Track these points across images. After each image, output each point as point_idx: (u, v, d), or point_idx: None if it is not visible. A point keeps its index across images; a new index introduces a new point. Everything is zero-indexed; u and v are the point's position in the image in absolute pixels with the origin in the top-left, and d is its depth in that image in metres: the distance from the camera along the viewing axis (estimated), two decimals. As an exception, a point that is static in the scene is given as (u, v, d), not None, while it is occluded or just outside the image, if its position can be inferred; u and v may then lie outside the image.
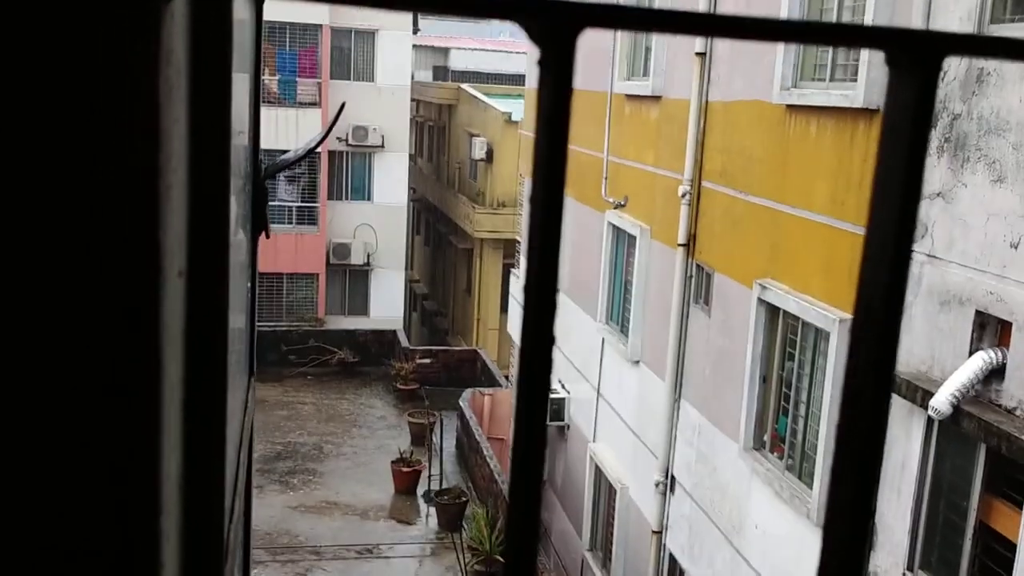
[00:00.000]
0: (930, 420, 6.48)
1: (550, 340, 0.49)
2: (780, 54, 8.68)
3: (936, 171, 6.65)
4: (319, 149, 25.61)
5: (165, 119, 0.45)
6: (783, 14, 8.62)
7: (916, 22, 6.82)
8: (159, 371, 0.44)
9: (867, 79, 7.39)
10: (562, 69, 0.45)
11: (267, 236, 1.65)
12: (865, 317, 0.50)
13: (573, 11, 0.44)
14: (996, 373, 6.03)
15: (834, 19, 8.16)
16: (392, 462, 18.16)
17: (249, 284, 1.57)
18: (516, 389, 0.50)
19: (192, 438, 0.60)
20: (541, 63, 0.46)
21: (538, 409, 0.49)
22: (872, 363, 0.51)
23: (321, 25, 25.67)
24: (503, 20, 0.46)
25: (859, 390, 0.52)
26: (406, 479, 17.92)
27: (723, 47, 10.05)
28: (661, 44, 11.47)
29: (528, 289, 0.48)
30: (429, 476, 17.85)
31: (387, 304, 27.59)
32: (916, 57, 0.48)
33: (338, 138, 26.28)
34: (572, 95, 0.47)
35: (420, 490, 17.99)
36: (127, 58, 0.40)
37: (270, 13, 27.22)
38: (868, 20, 7.40)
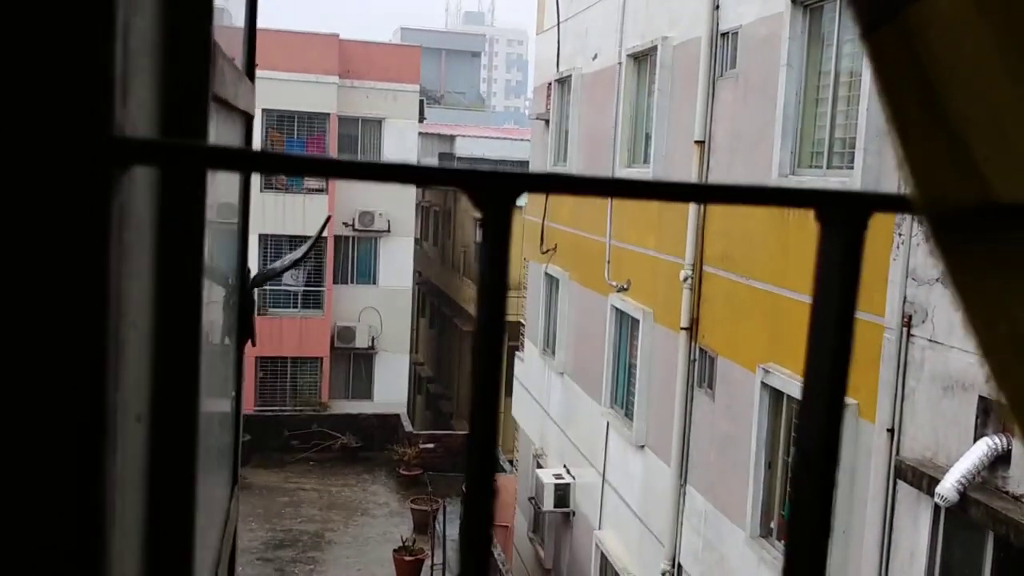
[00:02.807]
0: (937, 508, 6.39)
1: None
2: (778, 141, 8.83)
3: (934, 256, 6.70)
4: (325, 234, 25.86)
5: (121, 278, 0.47)
6: (779, 107, 8.79)
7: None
8: (104, 521, 0.45)
9: (863, 166, 7.50)
10: (500, 229, 0.48)
11: (253, 344, 1.67)
12: (805, 470, 0.52)
13: (508, 180, 0.46)
14: (1002, 459, 5.97)
15: (828, 122, 8.32)
16: (394, 551, 17.85)
17: (234, 393, 1.59)
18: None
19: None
20: (481, 224, 0.49)
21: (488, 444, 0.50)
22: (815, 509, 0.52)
23: (329, 114, 26.18)
24: (450, 188, 0.48)
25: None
26: (409, 568, 17.59)
27: (722, 136, 10.23)
28: (661, 131, 11.67)
29: (473, 416, 0.50)
30: (432, 565, 17.52)
31: (391, 387, 27.49)
32: (844, 215, 0.50)
33: (344, 223, 26.56)
34: (509, 249, 0.50)
35: (423, 579, 17.63)
36: (75, 226, 0.42)
37: (279, 102, 27.59)
38: (862, 110, 7.54)
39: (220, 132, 1.14)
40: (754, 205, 0.51)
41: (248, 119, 1.61)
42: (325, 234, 25.78)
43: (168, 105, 0.65)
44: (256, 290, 1.97)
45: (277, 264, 3.30)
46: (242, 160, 0.44)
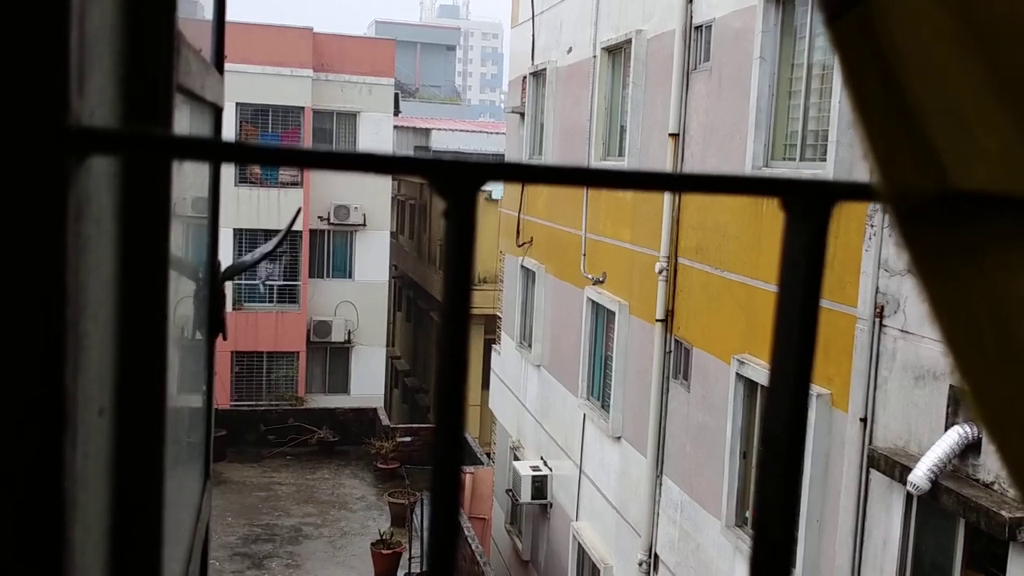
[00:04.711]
0: (909, 496, 6.46)
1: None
2: (751, 133, 8.87)
3: (906, 247, 6.76)
4: (300, 228, 25.74)
5: (79, 271, 0.47)
6: (752, 100, 8.83)
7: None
8: (63, 513, 0.44)
9: (836, 158, 7.55)
10: (464, 220, 0.48)
11: (224, 338, 1.66)
12: (771, 456, 0.52)
13: (471, 169, 0.46)
14: (972, 447, 6.04)
15: (801, 115, 8.37)
16: (372, 544, 17.83)
17: (206, 387, 1.57)
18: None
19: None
20: (445, 215, 0.48)
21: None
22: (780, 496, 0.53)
23: (303, 107, 26.03)
24: (413, 177, 0.48)
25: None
26: (386, 562, 17.57)
27: (696, 128, 10.26)
28: (636, 124, 11.70)
29: (438, 416, 0.49)
30: (410, 558, 17.52)
31: (368, 381, 27.43)
32: (809, 204, 0.51)
33: (320, 217, 26.44)
34: (475, 240, 0.49)
35: (401, 573, 17.63)
36: (27, 223, 0.42)
37: (253, 95, 27.38)
38: (835, 103, 7.59)
39: (187, 124, 1.13)
40: (720, 194, 0.51)
41: (217, 112, 1.60)
42: (299, 227, 25.67)
43: (130, 95, 0.64)
44: (230, 284, 1.96)
45: (248, 257, 3.29)
46: (201, 149, 0.43)
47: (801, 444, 0.53)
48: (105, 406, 0.59)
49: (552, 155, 14.93)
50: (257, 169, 25.96)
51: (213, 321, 1.54)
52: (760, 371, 8.65)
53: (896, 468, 6.48)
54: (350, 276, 27.45)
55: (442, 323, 0.51)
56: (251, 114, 25.81)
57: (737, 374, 9.04)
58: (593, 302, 13.02)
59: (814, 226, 0.50)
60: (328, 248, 27.34)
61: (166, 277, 0.70)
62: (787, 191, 0.51)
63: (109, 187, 0.56)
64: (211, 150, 0.43)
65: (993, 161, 0.46)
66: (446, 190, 0.46)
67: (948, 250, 0.48)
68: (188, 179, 1.30)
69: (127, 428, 0.64)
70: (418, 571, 17.09)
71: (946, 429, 6.19)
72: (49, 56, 0.41)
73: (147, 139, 0.41)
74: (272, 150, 0.44)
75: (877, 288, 7.00)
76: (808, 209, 0.51)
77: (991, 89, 0.45)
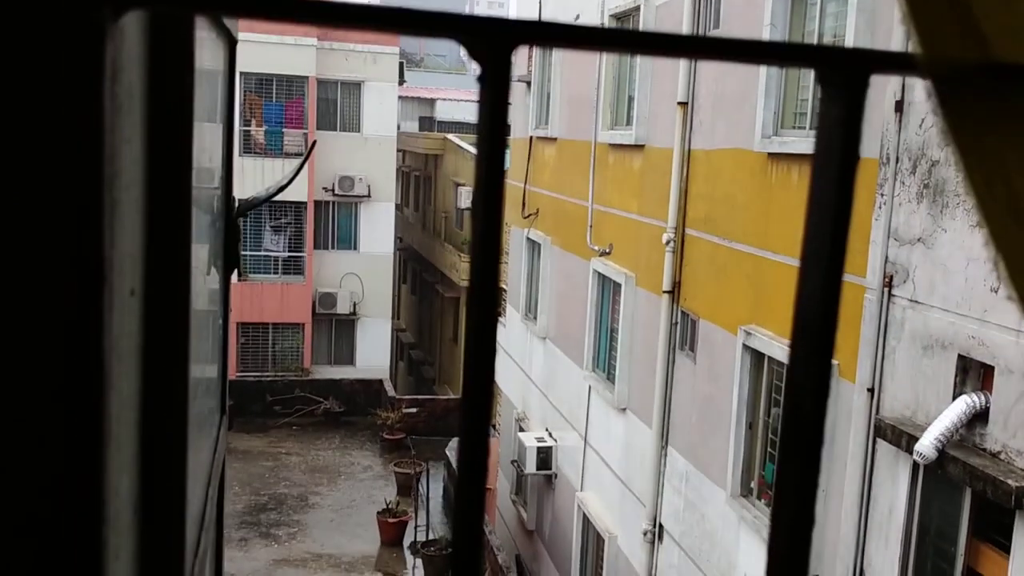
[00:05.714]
0: (916, 465, 6.47)
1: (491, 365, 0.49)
2: (761, 102, 8.81)
3: (916, 216, 6.73)
4: (305, 199, 25.70)
5: (113, 136, 0.46)
6: (762, 68, 8.75)
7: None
8: (102, 387, 0.44)
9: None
10: (499, 82, 0.47)
11: (239, 276, 1.66)
12: (801, 335, 0.51)
13: (508, 28, 0.45)
14: (980, 417, 6.05)
15: (811, 83, 8.29)
16: (378, 513, 17.97)
17: (221, 321, 1.58)
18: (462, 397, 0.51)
19: (150, 455, 0.61)
20: (480, 78, 0.48)
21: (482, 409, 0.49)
22: (810, 376, 0.52)
23: (308, 77, 25.93)
24: (443, 38, 0.48)
25: (798, 405, 0.53)
26: (392, 530, 17.71)
27: (705, 97, 10.20)
28: (644, 93, 11.64)
29: (471, 294, 0.49)
30: (416, 527, 17.66)
31: (373, 353, 27.51)
32: (845, 74, 0.50)
33: (324, 188, 26.41)
34: (508, 108, 0.49)
35: (407, 541, 17.77)
36: (66, 74, 0.41)
37: (257, 65, 27.14)
38: (850, 21, 7.52)
39: (207, 53, 1.12)
40: (750, 62, 0.50)
41: (232, 44, 1.59)
42: (304, 198, 25.64)
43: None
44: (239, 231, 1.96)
45: (261, 192, 3.31)
46: (231, 3, 0.43)
47: (833, 327, 0.53)
48: (136, 288, 0.59)
49: (559, 124, 14.86)
50: (262, 139, 25.90)
51: (229, 255, 1.54)
52: (767, 342, 8.65)
53: (903, 437, 6.49)
54: (355, 248, 27.44)
55: (475, 194, 0.50)
56: (255, 84, 25.71)
57: (744, 345, 9.04)
58: (599, 274, 13.01)
59: (850, 96, 0.50)
60: (333, 219, 27.33)
61: (190, 152, 0.70)
62: (821, 60, 0.50)
63: (139, 60, 0.56)
64: (239, 3, 0.43)
65: None
66: (482, 50, 0.46)
67: (985, 120, 0.48)
68: (205, 140, 1.30)
69: (155, 311, 0.64)
70: (424, 539, 17.22)
71: (953, 399, 6.19)
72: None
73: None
74: (293, 3, 0.43)
75: (886, 258, 6.98)
76: (844, 78, 0.50)
77: None
